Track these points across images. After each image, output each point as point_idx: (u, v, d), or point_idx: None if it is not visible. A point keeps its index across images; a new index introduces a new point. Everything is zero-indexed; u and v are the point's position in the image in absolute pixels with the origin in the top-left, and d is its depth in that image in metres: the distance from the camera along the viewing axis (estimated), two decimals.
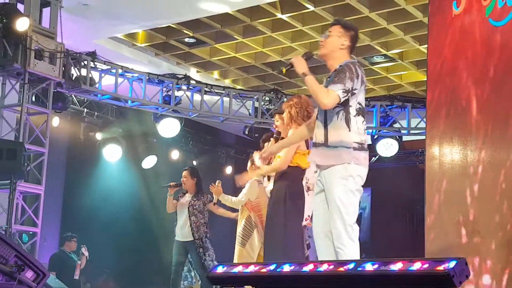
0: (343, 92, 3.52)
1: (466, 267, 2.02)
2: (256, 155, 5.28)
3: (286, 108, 4.78)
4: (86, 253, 8.69)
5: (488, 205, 4.72)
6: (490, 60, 4.80)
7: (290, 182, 4.59)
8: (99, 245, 10.05)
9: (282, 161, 4.58)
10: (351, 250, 3.46)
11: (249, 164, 6.18)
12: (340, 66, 3.64)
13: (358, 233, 3.52)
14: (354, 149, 3.54)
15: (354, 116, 3.58)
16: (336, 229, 3.48)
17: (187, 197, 6.96)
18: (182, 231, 6.91)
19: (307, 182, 4.84)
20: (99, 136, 10.05)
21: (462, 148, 5.07)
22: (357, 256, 3.49)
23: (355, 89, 3.57)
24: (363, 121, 3.62)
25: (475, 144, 4.95)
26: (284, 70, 3.78)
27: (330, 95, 3.51)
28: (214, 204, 6.64)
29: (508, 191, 4.54)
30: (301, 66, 3.63)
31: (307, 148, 4.58)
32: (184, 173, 7.06)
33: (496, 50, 4.74)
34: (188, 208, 6.85)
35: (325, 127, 3.58)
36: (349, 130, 3.55)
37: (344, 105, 3.56)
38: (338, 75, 3.58)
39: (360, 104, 3.62)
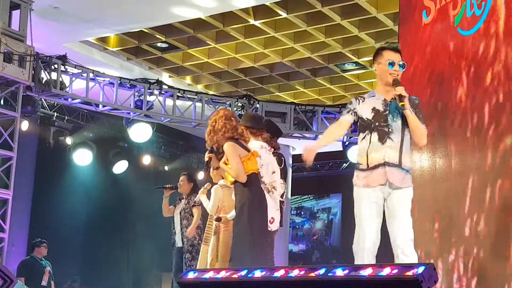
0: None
1: (434, 272, 2.06)
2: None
3: (212, 123, 4.73)
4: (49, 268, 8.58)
5: (457, 211, 4.79)
6: (458, 69, 4.89)
7: (249, 192, 4.55)
8: (68, 251, 9.93)
9: (237, 176, 4.51)
10: (414, 260, 3.66)
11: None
12: (414, 101, 3.75)
13: None
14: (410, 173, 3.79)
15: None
16: (405, 242, 3.66)
17: (182, 202, 6.92)
18: (178, 237, 6.83)
19: (265, 185, 4.84)
20: (69, 140, 9.95)
21: (431, 155, 5.14)
22: None
23: None
24: None
25: (444, 151, 5.03)
26: (402, 104, 3.73)
27: (426, 136, 3.76)
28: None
29: (477, 196, 4.62)
30: (407, 102, 3.71)
31: (248, 151, 4.58)
32: (182, 177, 7.02)
33: (464, 59, 4.83)
34: (180, 212, 6.82)
35: (401, 150, 3.71)
36: (412, 156, 3.82)
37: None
38: (420, 114, 3.74)
39: None
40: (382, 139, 3.70)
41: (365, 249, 3.67)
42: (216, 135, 4.62)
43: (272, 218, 4.83)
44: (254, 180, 4.51)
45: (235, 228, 4.59)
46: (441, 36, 5.11)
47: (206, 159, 4.78)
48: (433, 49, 5.24)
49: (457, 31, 4.89)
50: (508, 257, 4.20)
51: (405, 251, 3.60)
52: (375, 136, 3.72)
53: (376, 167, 3.70)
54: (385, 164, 3.67)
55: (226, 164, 4.53)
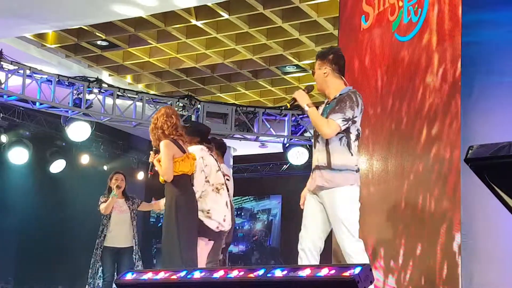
0: (343, 120, 3.74)
1: (371, 273, 2.10)
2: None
3: (154, 120, 4.77)
4: None
5: (383, 215, 4.93)
6: (395, 74, 5.03)
7: (178, 192, 4.58)
8: (1, 251, 9.65)
9: (164, 174, 4.55)
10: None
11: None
12: (340, 94, 3.83)
13: (363, 246, 3.76)
14: (356, 171, 3.80)
15: (354, 141, 3.82)
16: (344, 247, 3.71)
17: (121, 202, 6.87)
18: (122, 237, 6.79)
19: (212, 185, 4.90)
20: (4, 138, 9.68)
21: (369, 158, 5.27)
22: None
23: (355, 117, 3.79)
24: (358, 145, 3.87)
25: (368, 155, 5.18)
26: (289, 105, 3.96)
27: (330, 125, 3.73)
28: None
29: (405, 200, 4.77)
30: (304, 99, 3.84)
31: (184, 152, 4.63)
32: (122, 176, 6.95)
33: (401, 64, 4.97)
34: (131, 213, 6.85)
35: (328, 151, 3.78)
36: (352, 155, 3.80)
37: (345, 131, 3.78)
38: (339, 104, 3.78)
39: (359, 130, 3.85)
40: (314, 145, 3.90)
41: (304, 250, 3.75)
42: (157, 133, 4.67)
43: (224, 216, 4.90)
44: (183, 181, 4.57)
45: (165, 228, 4.63)
46: (379, 42, 5.25)
47: (150, 160, 4.77)
48: (371, 54, 5.37)
49: (394, 36, 5.04)
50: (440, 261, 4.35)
51: (351, 258, 3.70)
52: (313, 140, 3.91)
53: (312, 170, 3.88)
54: (316, 168, 3.84)
55: (159, 162, 4.57)
